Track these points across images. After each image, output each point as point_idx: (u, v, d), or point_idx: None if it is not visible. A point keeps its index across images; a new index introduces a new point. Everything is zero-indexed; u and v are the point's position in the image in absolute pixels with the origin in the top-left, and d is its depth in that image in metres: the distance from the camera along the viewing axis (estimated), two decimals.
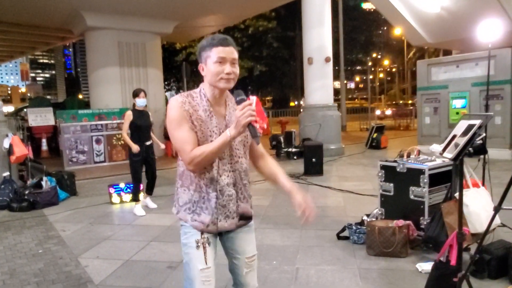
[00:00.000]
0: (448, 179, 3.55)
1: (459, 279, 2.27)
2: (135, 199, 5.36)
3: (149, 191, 5.60)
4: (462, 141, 2.22)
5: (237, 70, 1.72)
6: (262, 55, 34.73)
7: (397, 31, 32.46)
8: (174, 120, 1.68)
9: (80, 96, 38.65)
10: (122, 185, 5.98)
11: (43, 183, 6.11)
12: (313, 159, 7.49)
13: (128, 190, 5.89)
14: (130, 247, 4.05)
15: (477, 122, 2.20)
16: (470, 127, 2.20)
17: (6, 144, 6.01)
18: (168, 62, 27.74)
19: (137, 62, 11.74)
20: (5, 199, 5.80)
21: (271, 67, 36.72)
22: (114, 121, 10.02)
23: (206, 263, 1.77)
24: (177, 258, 3.63)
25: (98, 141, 9.84)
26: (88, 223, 4.99)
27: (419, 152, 3.95)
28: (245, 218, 1.85)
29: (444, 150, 2.30)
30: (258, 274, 3.24)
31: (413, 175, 3.61)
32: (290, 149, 9.72)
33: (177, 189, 1.83)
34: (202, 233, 1.78)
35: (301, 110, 11.19)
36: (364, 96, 54.16)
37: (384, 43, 49.50)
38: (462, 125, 2.32)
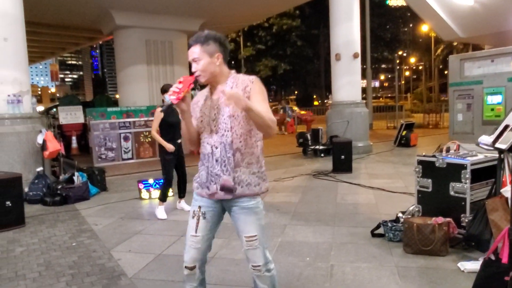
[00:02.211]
0: (491, 174, 3.39)
1: (511, 278, 2.14)
2: (162, 199, 5.05)
3: (182, 193, 5.31)
4: None
5: (199, 66, 1.99)
6: (286, 53, 34.55)
7: (424, 28, 31.72)
8: None
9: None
10: (151, 180, 6.02)
11: (75, 178, 6.22)
12: (342, 156, 7.35)
13: (157, 186, 5.92)
14: (161, 242, 4.04)
15: None
16: None
17: (40, 140, 6.14)
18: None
19: (164, 60, 11.86)
20: (39, 193, 5.93)
21: (295, 66, 36.51)
22: (142, 119, 10.14)
23: (196, 232, 2.12)
24: (209, 253, 3.59)
25: (126, 138, 9.97)
26: (119, 217, 5.04)
27: (459, 147, 3.78)
28: (225, 190, 2.02)
29: (495, 141, 2.16)
30: (291, 269, 3.21)
31: (454, 171, 3.45)
32: (317, 147, 9.58)
33: None
34: (200, 207, 2.11)
35: (328, 107, 11.03)
36: (389, 95, 53.19)
37: (411, 41, 48.40)
38: None
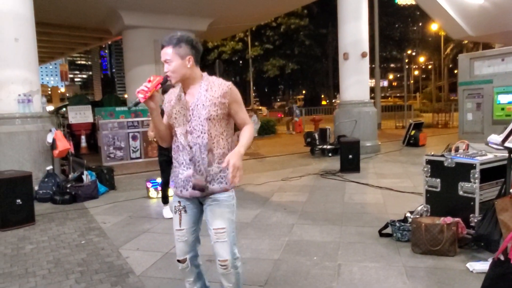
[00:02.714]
0: (501, 174, 3.35)
1: None
2: (163, 201, 4.97)
3: None
4: None
5: (171, 67, 2.05)
6: (294, 53, 34.47)
7: (434, 27, 31.43)
8: None
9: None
10: (159, 180, 6.03)
11: (84, 177, 6.28)
12: (350, 156, 7.33)
13: (157, 186, 5.93)
14: (169, 240, 4.06)
15: None
16: None
17: (49, 139, 6.21)
18: (200, 61, 27.95)
19: None
20: (49, 192, 6.00)
21: (303, 65, 36.41)
22: (150, 118, 10.19)
23: (180, 225, 2.22)
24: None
25: (134, 138, 10.02)
26: (127, 216, 5.08)
27: (468, 146, 3.75)
28: (197, 189, 2.11)
29: (505, 140, 2.14)
30: (298, 268, 3.20)
31: (463, 170, 3.42)
32: (325, 146, 9.56)
33: None
34: (179, 202, 2.21)
35: (336, 106, 10.99)
36: (398, 95, 52.78)
37: (420, 40, 47.99)
38: None
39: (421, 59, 48.11)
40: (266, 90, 46.41)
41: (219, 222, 2.13)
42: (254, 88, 37.43)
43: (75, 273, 3.32)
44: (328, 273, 3.11)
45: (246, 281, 3.03)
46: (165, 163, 4.82)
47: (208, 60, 31.48)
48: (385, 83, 58.05)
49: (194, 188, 2.12)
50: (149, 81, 2.06)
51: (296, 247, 3.70)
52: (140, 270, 3.34)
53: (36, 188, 5.89)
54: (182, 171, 2.16)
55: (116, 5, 10.96)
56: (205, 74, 2.18)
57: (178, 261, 2.28)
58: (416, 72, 52.88)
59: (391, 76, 59.39)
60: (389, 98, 51.96)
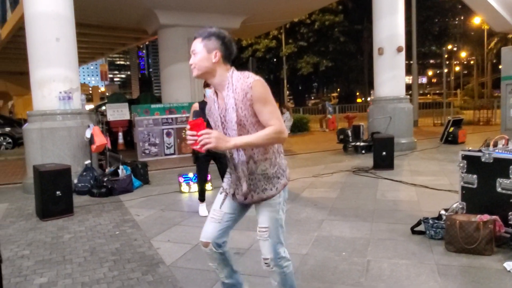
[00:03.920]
0: None
1: None
2: (199, 198, 4.91)
3: None
4: None
5: (195, 59, 1.99)
6: (328, 50, 33.99)
7: (477, 20, 30.05)
8: None
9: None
10: (191, 175, 6.16)
11: (120, 171, 6.49)
12: (383, 153, 7.15)
13: (196, 180, 6.03)
14: (198, 233, 4.02)
15: None
16: None
17: (88, 134, 6.46)
18: (234, 59, 28.14)
19: None
20: (87, 185, 6.25)
21: (337, 62, 35.84)
22: (184, 115, 10.38)
23: (220, 207, 2.18)
24: (244, 244, 3.64)
25: (168, 134, 10.25)
26: (160, 209, 5.20)
27: (507, 141, 3.57)
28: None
29: None
30: (326, 263, 3.18)
31: (501, 166, 3.27)
32: (358, 143, 9.39)
33: None
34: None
35: (370, 103, 10.75)
36: (437, 92, 50.95)
37: (461, 34, 46.03)
38: None
39: (463, 54, 46.17)
40: (300, 88, 46.08)
41: (263, 221, 2.10)
42: (288, 86, 37.25)
43: (109, 262, 3.45)
44: (356, 269, 3.07)
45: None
46: (204, 160, 4.77)
47: (242, 58, 31.64)
48: (424, 80, 56.19)
49: (246, 197, 2.11)
50: (190, 128, 1.90)
51: (324, 242, 3.66)
52: (170, 260, 3.42)
53: (75, 181, 6.16)
54: (228, 176, 2.18)
55: (152, 5, 11.24)
56: (230, 71, 2.02)
57: (201, 241, 2.23)
58: (457, 68, 50.81)
59: (430, 73, 57.39)
60: (428, 95, 50.27)
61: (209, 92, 2.20)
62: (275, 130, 1.91)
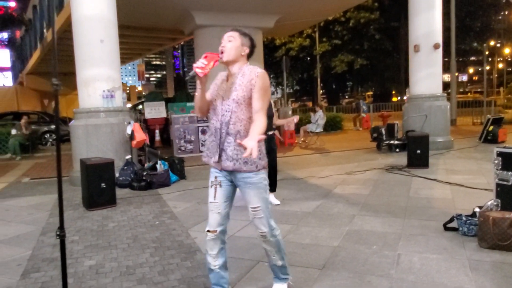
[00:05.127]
0: None
1: None
2: (271, 189, 4.86)
3: (272, 187, 5.05)
4: None
5: (230, 45, 2.32)
6: (363, 48, 33.42)
7: None
8: None
9: None
10: None
11: (158, 166, 6.78)
12: (418, 151, 7.08)
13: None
14: (233, 225, 4.29)
15: None
16: None
17: (128, 130, 6.81)
18: (268, 58, 28.25)
19: None
20: (127, 178, 6.59)
21: (372, 61, 35.16)
22: None
23: (214, 198, 2.47)
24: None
25: (203, 132, 10.54)
26: (196, 202, 5.43)
27: None
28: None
29: None
30: (356, 255, 3.27)
31: None
32: (392, 142, 9.30)
33: None
34: (216, 177, 2.46)
35: (406, 101, 10.60)
36: (479, 90, 48.97)
37: (505, 30, 44.00)
38: None
39: (506, 50, 44.12)
40: (333, 86, 45.58)
41: (254, 201, 2.41)
42: (322, 84, 36.97)
43: (150, 248, 3.68)
44: (386, 261, 3.13)
45: (304, 264, 3.16)
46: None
47: (275, 57, 31.68)
48: (465, 78, 54.11)
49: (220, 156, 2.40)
50: (205, 57, 2.24)
51: (355, 236, 3.74)
52: None
53: (116, 175, 6.50)
54: (213, 144, 2.43)
55: (189, 6, 11.58)
56: (247, 64, 2.41)
57: (208, 231, 2.50)
58: (501, 65, 48.62)
59: (471, 70, 55.21)
60: (469, 94, 48.41)
61: (222, 74, 2.48)
62: (262, 117, 2.28)
